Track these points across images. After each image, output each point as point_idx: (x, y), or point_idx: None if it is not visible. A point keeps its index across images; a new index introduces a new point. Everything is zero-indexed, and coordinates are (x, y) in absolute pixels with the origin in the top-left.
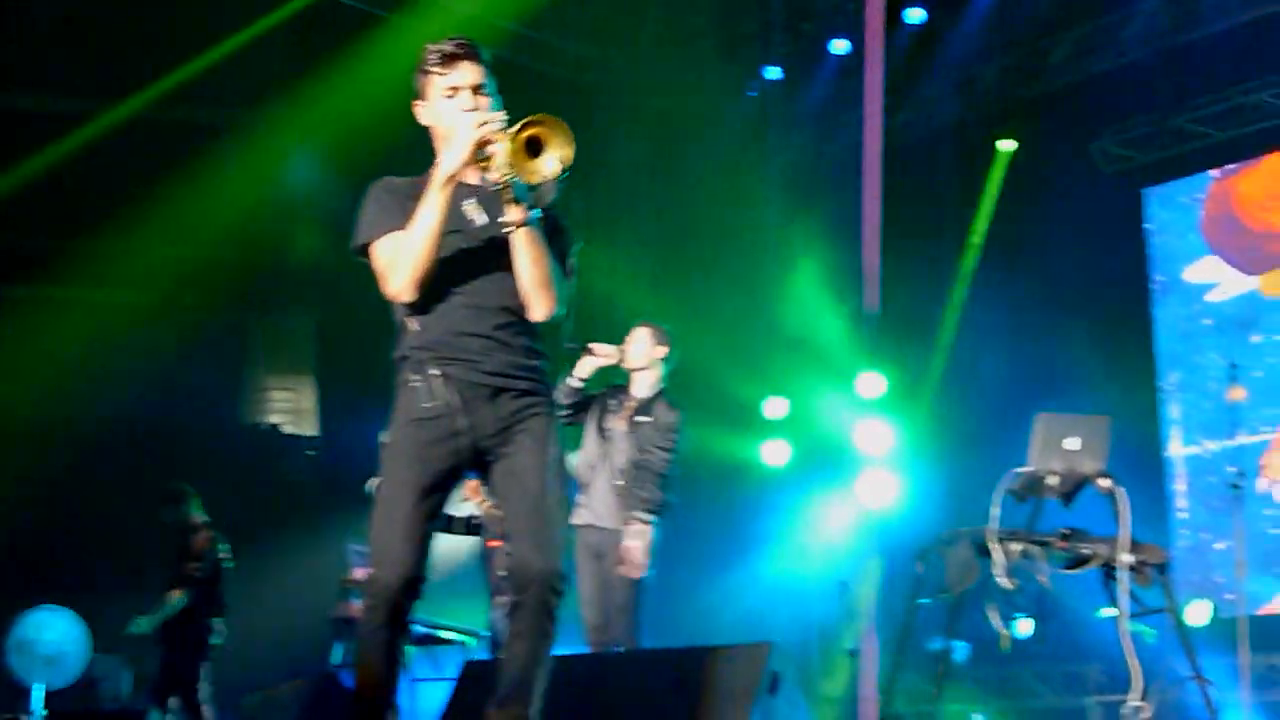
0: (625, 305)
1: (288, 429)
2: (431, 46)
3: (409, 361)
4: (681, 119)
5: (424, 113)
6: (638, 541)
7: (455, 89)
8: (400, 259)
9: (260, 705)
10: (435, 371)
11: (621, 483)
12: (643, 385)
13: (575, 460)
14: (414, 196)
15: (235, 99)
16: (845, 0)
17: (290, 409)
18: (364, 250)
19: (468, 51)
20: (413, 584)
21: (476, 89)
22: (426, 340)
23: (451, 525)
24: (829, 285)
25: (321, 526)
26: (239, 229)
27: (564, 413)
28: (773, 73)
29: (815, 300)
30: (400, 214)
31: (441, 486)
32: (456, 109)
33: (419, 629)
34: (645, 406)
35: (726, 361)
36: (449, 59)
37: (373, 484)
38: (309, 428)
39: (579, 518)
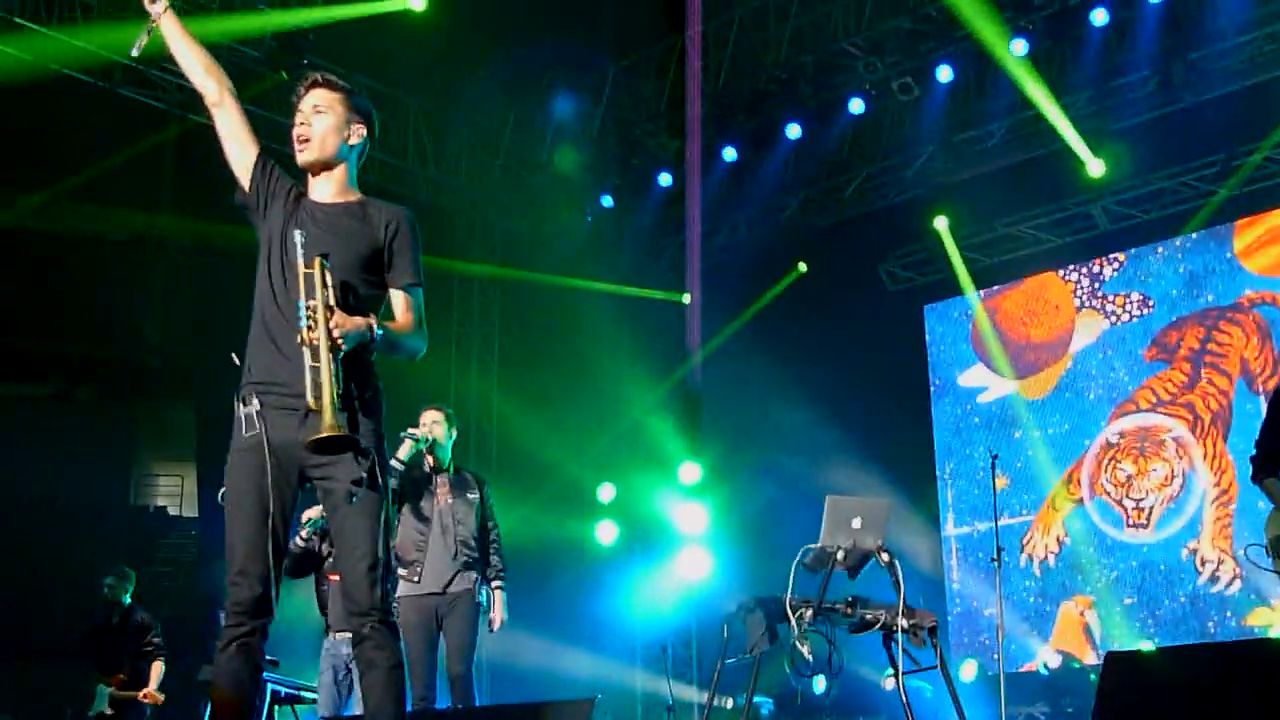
0: (475, 402)
1: (172, 510)
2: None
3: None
4: (527, 238)
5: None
6: (502, 605)
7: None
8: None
9: None
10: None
11: (470, 549)
12: (443, 462)
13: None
14: (279, 194)
15: (122, 211)
16: (669, 139)
17: (174, 492)
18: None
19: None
20: (262, 602)
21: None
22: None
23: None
24: (654, 386)
25: (200, 596)
26: (127, 330)
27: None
28: (606, 201)
29: (643, 399)
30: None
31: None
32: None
33: (283, 691)
34: (460, 482)
35: (563, 452)
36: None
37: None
38: (191, 509)
39: (408, 589)
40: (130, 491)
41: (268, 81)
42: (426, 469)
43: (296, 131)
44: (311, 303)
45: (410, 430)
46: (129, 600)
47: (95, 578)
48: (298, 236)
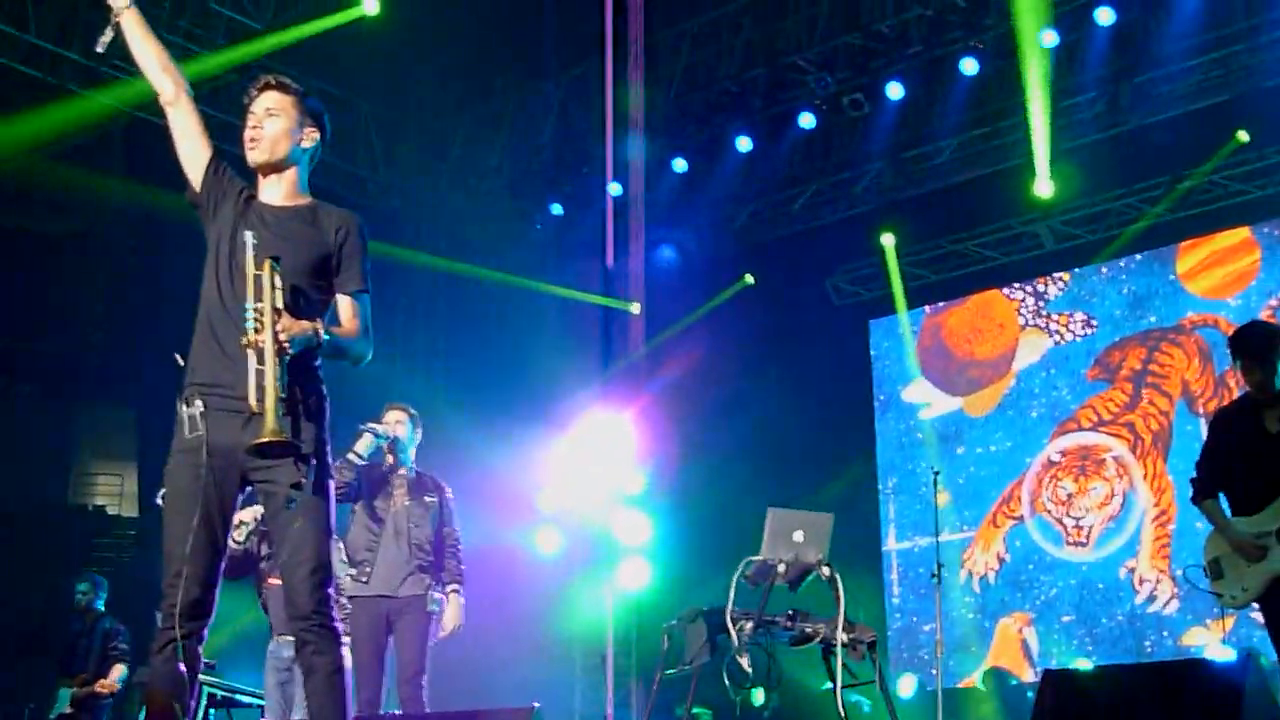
0: (418, 406)
1: (111, 510)
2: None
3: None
4: (475, 244)
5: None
6: (457, 610)
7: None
8: None
9: None
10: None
11: (425, 553)
12: (404, 462)
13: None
14: (230, 196)
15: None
16: (620, 149)
17: (114, 492)
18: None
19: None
20: (199, 604)
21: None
22: None
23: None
24: (600, 394)
25: (138, 597)
26: (69, 327)
27: (340, 489)
28: (555, 209)
29: (588, 407)
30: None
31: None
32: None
33: (219, 694)
34: (419, 485)
35: (507, 458)
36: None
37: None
38: (130, 509)
39: (360, 590)
40: (69, 490)
41: (220, 81)
42: (385, 468)
43: (248, 134)
44: (259, 305)
45: (370, 425)
46: (101, 607)
47: (32, 576)
48: (249, 238)
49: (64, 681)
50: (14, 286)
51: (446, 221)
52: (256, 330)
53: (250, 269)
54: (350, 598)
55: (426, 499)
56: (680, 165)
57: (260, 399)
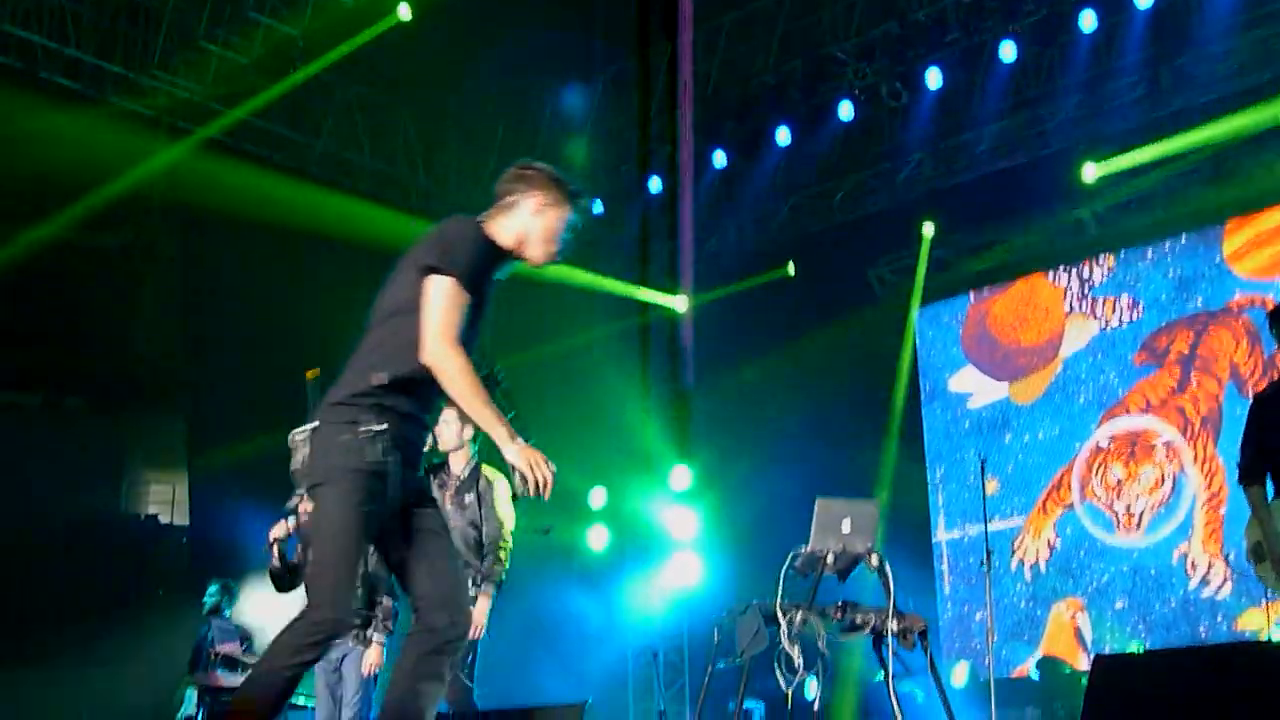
0: None
1: (164, 519)
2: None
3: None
4: None
5: (529, 212)
6: (479, 612)
7: (573, 231)
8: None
9: None
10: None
11: (460, 556)
12: (458, 463)
13: None
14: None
15: (116, 222)
16: (659, 143)
17: (165, 500)
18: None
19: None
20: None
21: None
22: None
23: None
24: (646, 390)
25: (189, 606)
26: (116, 339)
27: None
28: (596, 207)
29: (634, 404)
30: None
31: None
32: (555, 241)
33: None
34: (467, 484)
35: (555, 457)
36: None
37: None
38: (182, 517)
39: None
40: (121, 500)
41: (260, 96)
42: (436, 471)
43: (562, 246)
44: None
45: None
46: (228, 612)
47: (86, 584)
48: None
49: (187, 680)
50: (60, 300)
51: None
52: None
53: None
54: None
55: (466, 498)
56: (720, 159)
57: None
